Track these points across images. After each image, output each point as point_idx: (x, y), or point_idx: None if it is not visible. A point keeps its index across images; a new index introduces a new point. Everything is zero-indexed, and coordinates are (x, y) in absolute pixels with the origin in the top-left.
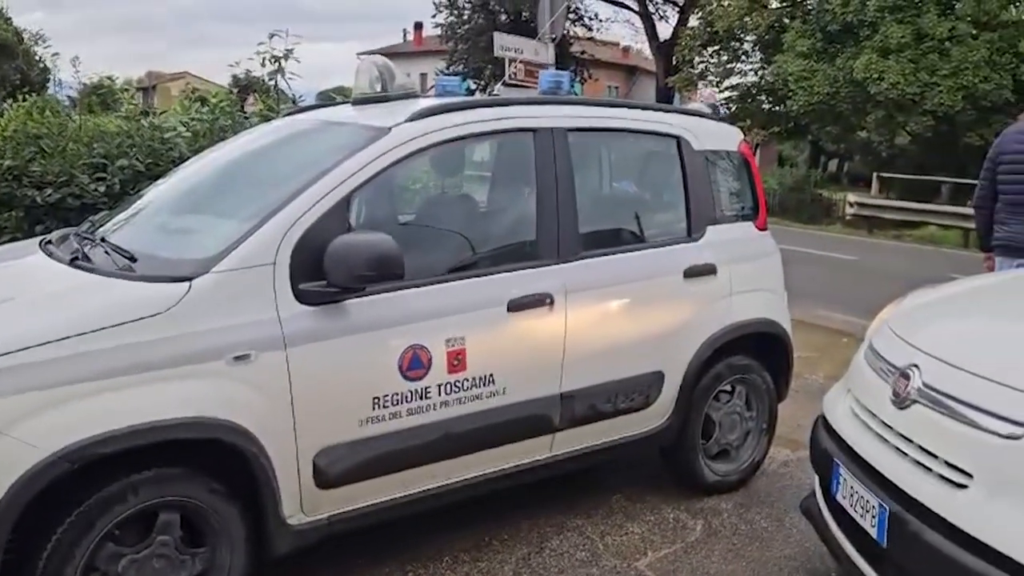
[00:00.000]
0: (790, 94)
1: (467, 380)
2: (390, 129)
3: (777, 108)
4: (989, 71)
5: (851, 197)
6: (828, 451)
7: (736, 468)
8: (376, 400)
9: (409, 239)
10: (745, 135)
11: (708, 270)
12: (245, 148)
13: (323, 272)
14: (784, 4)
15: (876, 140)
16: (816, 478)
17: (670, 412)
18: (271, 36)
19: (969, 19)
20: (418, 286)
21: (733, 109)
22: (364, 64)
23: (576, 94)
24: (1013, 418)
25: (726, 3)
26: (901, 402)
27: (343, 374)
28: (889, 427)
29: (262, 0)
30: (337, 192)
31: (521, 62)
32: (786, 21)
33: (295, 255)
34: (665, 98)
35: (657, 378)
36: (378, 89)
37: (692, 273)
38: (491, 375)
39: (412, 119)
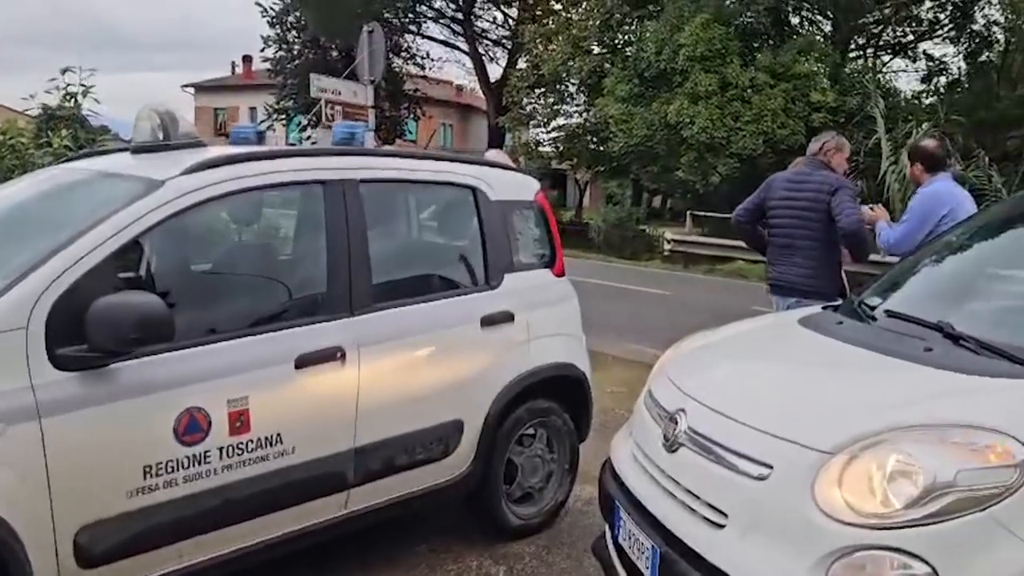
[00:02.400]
0: (611, 135)
1: (251, 442)
2: (164, 182)
3: (602, 148)
4: (785, 118)
5: (668, 234)
6: (611, 494)
7: (539, 511)
8: (148, 469)
9: (192, 295)
10: (575, 173)
11: (505, 317)
12: (10, 199)
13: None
14: (604, 50)
15: (691, 179)
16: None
17: (471, 460)
18: (64, 71)
19: (767, 70)
20: (197, 345)
21: (561, 148)
22: (145, 111)
23: (411, 133)
24: (761, 459)
25: (551, 47)
26: (670, 445)
27: (108, 443)
28: (661, 470)
29: (80, 26)
30: (101, 250)
31: (338, 104)
32: (607, 66)
33: (52, 318)
34: (497, 136)
35: (456, 427)
36: (160, 138)
37: (489, 321)
38: (278, 435)
39: (188, 172)
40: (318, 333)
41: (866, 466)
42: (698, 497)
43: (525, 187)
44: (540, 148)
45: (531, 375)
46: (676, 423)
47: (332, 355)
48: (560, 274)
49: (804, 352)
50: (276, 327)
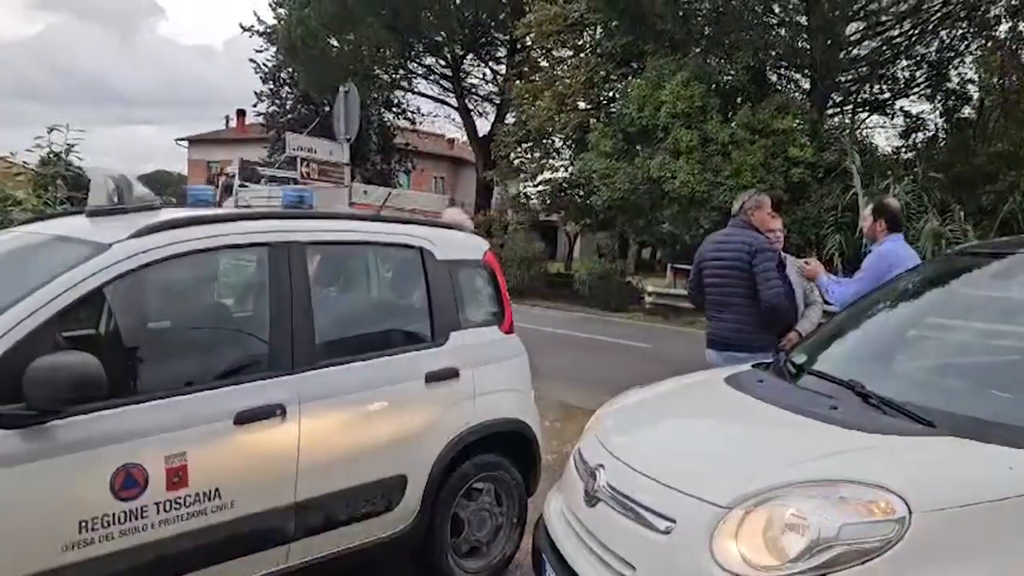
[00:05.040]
0: (595, 189)
1: (189, 496)
2: (110, 246)
3: (587, 201)
4: (764, 172)
5: (649, 287)
6: (539, 548)
7: (487, 564)
8: (83, 523)
9: (135, 354)
10: (565, 225)
11: (450, 374)
12: None
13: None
14: (589, 106)
15: (677, 232)
16: None
17: (415, 514)
18: (50, 130)
19: (746, 127)
20: (136, 403)
21: (548, 201)
22: (99, 177)
23: (402, 186)
24: (666, 514)
25: (538, 103)
26: (590, 500)
27: (43, 499)
28: (581, 524)
29: (77, 81)
30: (45, 311)
31: (313, 162)
32: (592, 122)
33: None
34: (485, 190)
35: (400, 481)
36: (115, 201)
37: (434, 378)
38: (217, 490)
39: (136, 235)
40: (259, 390)
41: (759, 521)
42: (611, 551)
43: (473, 247)
44: (530, 201)
45: (477, 430)
46: (595, 478)
47: (272, 412)
48: (509, 331)
49: (721, 410)
50: (216, 384)
